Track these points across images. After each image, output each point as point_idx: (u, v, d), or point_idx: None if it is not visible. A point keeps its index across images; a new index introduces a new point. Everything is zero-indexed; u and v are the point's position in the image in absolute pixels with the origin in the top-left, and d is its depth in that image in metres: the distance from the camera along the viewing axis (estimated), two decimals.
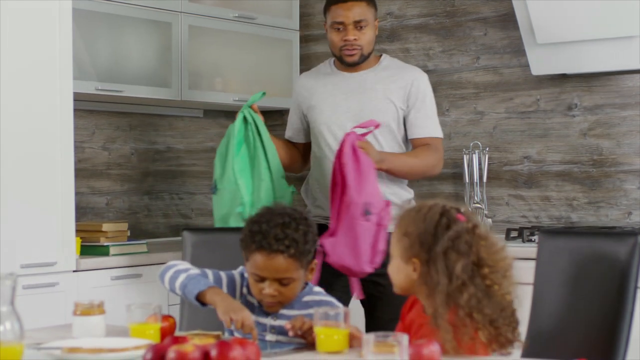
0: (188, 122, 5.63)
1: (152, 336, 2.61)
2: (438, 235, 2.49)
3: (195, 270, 2.85)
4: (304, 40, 5.74)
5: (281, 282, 2.72)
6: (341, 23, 3.90)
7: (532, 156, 5.10)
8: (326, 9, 3.98)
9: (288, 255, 2.70)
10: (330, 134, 3.96)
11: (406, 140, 4.00)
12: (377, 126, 3.76)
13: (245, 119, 3.93)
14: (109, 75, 4.75)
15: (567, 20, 4.67)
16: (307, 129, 4.13)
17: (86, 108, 5.03)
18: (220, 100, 5.30)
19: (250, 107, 3.97)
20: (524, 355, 2.74)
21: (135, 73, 4.88)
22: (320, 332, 2.49)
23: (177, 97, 5.04)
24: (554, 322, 2.73)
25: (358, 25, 3.89)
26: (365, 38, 3.92)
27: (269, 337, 2.77)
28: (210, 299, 2.76)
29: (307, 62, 5.61)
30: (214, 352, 2.12)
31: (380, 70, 4.00)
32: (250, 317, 2.66)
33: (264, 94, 4.00)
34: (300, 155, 4.20)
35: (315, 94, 4.05)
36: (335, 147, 3.86)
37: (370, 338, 2.04)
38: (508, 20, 5.13)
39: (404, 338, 2.04)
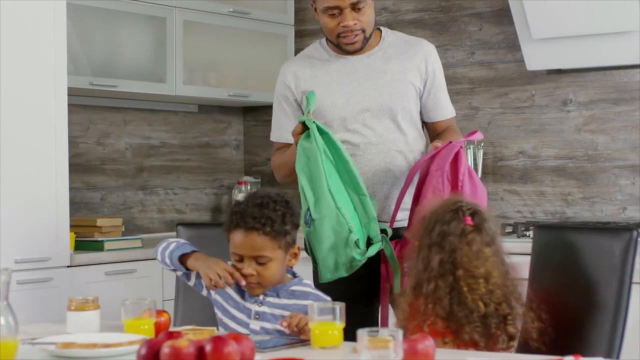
0: (182, 117, 5.62)
1: (146, 331, 2.60)
2: (434, 228, 2.62)
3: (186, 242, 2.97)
4: (299, 35, 5.73)
5: (258, 260, 2.76)
6: (336, 7, 3.26)
7: (527, 151, 5.10)
8: None
9: (263, 232, 2.76)
10: (346, 130, 3.35)
11: (421, 122, 3.48)
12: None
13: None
14: (103, 70, 4.75)
15: (562, 15, 4.67)
16: None
17: (80, 103, 5.02)
18: (214, 96, 5.30)
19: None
20: (518, 350, 2.74)
21: (130, 68, 4.88)
22: (315, 327, 2.49)
23: (171, 92, 5.04)
24: (549, 317, 2.73)
25: (355, 7, 3.27)
26: (366, 19, 3.31)
27: (253, 324, 2.80)
28: (191, 265, 2.89)
29: None
30: (208, 347, 2.12)
31: (386, 47, 3.42)
32: (226, 265, 2.78)
33: (313, 93, 3.33)
34: None
35: (318, 85, 3.39)
36: (357, 142, 3.34)
37: (364, 333, 2.04)
38: (503, 15, 5.12)
39: (399, 333, 2.04)
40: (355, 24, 3.28)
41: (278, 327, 2.72)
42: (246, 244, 2.76)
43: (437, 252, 2.59)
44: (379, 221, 3.26)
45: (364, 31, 3.31)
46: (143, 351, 2.16)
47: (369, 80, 3.36)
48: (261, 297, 2.81)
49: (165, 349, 2.11)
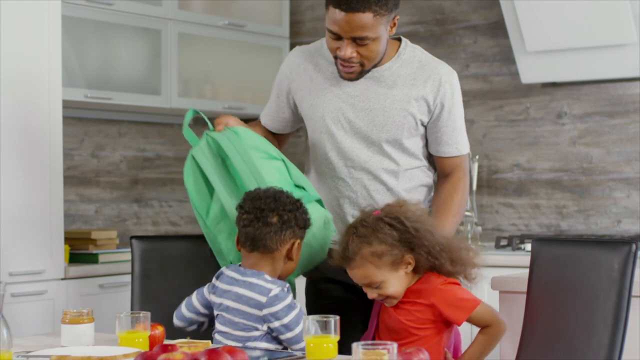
0: (177, 129, 5.62)
1: (141, 344, 2.60)
2: (406, 228, 2.77)
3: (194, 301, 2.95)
4: (294, 47, 5.73)
5: None
6: (336, 34, 2.95)
7: (521, 164, 5.11)
8: (327, 3, 2.97)
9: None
10: (331, 149, 3.13)
11: (422, 151, 3.15)
12: None
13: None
14: (98, 82, 4.75)
15: (557, 28, 4.68)
16: (296, 121, 3.30)
17: (75, 115, 5.02)
18: (210, 108, 5.30)
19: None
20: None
21: (125, 80, 4.88)
22: (310, 341, 2.48)
23: (166, 104, 5.03)
24: (548, 331, 2.73)
25: (357, 40, 2.95)
26: (368, 54, 2.99)
27: None
28: None
29: None
30: None
31: (398, 67, 3.09)
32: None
33: (194, 111, 3.27)
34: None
35: (314, 89, 3.15)
36: (340, 164, 3.12)
37: (359, 347, 2.04)
38: (498, 28, 5.13)
39: (394, 346, 2.03)
40: (353, 57, 2.98)
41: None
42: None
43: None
44: None
45: (362, 65, 3.01)
46: None
47: (365, 101, 3.08)
48: None
49: None
